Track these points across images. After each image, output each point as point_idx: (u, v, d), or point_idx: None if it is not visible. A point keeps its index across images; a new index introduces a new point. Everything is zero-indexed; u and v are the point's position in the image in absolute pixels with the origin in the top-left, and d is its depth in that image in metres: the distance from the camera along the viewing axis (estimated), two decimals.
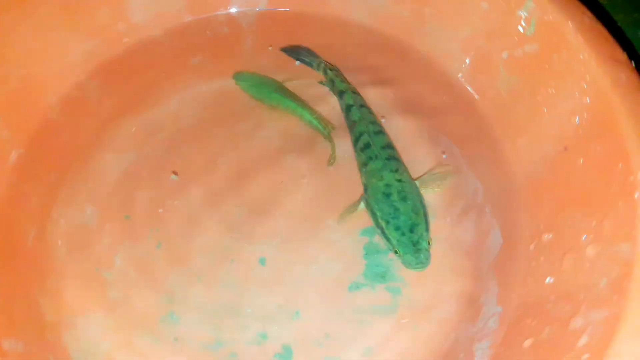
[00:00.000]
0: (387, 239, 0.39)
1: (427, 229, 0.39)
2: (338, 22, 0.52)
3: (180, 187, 0.45)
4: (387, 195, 0.40)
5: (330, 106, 0.48)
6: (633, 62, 0.36)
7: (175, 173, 0.45)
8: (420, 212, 0.39)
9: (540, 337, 0.33)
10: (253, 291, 0.41)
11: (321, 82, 0.49)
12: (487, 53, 0.46)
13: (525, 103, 0.43)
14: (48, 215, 0.44)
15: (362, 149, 0.43)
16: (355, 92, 0.46)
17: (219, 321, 0.40)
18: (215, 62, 0.51)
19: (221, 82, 0.50)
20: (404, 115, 0.48)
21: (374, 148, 0.42)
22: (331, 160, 0.45)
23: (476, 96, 0.47)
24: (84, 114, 0.48)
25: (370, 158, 0.42)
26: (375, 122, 0.44)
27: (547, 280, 0.35)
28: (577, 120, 0.37)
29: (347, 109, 0.45)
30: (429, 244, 0.38)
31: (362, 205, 0.42)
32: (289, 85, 0.49)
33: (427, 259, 0.38)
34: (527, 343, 0.34)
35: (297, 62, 0.51)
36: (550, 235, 0.37)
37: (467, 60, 0.48)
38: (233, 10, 0.53)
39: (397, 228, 0.38)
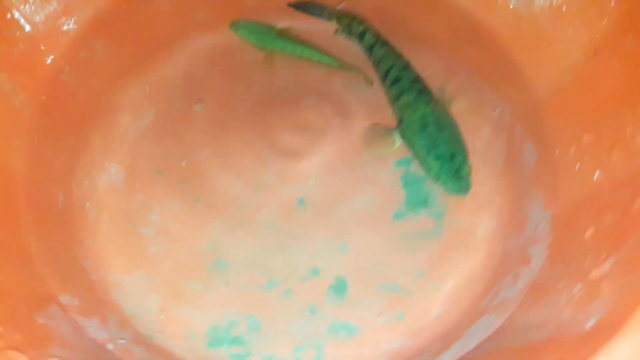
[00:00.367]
0: (428, 168, 0.40)
1: (466, 156, 0.40)
2: None
3: (206, 138, 0.44)
4: (424, 126, 0.40)
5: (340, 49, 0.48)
6: None
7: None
8: (458, 140, 0.40)
9: (602, 224, 0.34)
10: (297, 230, 0.41)
11: (336, 32, 0.49)
12: None
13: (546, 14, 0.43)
14: (72, 179, 0.43)
15: (392, 84, 0.43)
16: (375, 31, 0.46)
17: (268, 262, 0.40)
18: (221, 17, 0.50)
19: (229, 36, 0.49)
20: (417, 52, 0.48)
21: (404, 82, 0.42)
22: (367, 81, 0.45)
23: (491, 21, 0.47)
24: (94, 74, 0.46)
25: (402, 92, 0.42)
26: (401, 56, 0.44)
27: (596, 175, 0.36)
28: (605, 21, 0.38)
29: (370, 48, 0.45)
30: (470, 169, 0.39)
31: (396, 137, 0.42)
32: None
33: (469, 184, 0.39)
34: (589, 233, 0.35)
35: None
36: (591, 136, 0.38)
37: None
38: None
39: (438, 157, 0.39)
